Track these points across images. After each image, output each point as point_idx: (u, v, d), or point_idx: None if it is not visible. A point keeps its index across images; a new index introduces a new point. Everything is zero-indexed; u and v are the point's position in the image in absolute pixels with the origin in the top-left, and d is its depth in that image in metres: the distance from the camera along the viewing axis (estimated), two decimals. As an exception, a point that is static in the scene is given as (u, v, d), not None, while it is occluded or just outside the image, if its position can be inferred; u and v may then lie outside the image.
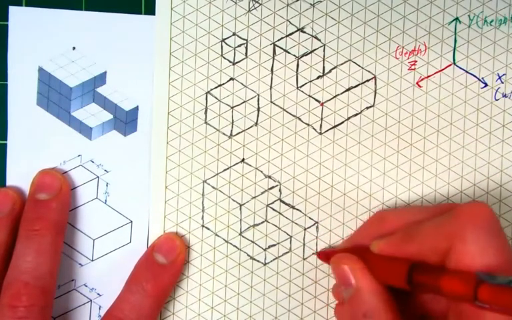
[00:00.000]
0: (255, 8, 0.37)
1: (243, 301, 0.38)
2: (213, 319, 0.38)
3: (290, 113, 0.38)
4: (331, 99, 0.38)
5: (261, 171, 0.38)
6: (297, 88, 0.38)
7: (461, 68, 0.38)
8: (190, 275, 0.38)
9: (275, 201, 0.38)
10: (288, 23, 0.37)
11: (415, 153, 0.38)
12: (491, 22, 0.37)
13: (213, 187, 0.38)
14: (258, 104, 0.38)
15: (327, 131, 0.38)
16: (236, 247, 0.38)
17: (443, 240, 0.30)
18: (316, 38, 0.38)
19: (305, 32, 0.38)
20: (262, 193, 0.38)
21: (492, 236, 0.29)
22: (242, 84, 0.38)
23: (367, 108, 0.38)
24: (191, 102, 0.38)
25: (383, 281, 0.32)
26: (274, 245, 0.38)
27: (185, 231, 0.38)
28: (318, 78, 0.38)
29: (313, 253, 0.38)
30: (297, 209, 0.38)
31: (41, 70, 0.38)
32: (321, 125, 0.38)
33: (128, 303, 0.35)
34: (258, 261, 0.38)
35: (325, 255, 0.37)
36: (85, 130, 0.38)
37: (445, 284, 0.28)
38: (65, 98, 0.38)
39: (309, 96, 0.38)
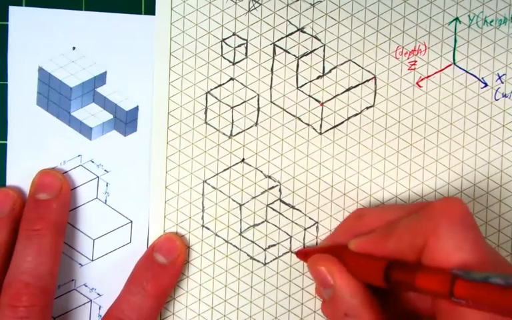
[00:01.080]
0: (255, 8, 0.37)
1: (243, 300, 0.38)
2: (213, 319, 0.38)
3: (290, 113, 0.38)
4: (331, 98, 0.38)
5: (261, 171, 0.38)
6: (297, 88, 0.38)
7: (460, 68, 0.38)
8: (190, 275, 0.38)
9: (275, 201, 0.38)
10: (288, 23, 0.37)
11: (414, 153, 0.38)
12: (491, 22, 0.37)
13: (213, 187, 0.38)
14: (258, 104, 0.38)
15: (327, 130, 0.38)
16: (236, 247, 0.38)
17: (418, 237, 0.30)
18: (316, 38, 0.38)
19: (305, 32, 0.38)
20: (262, 193, 0.38)
21: (466, 230, 0.29)
22: (242, 84, 0.38)
23: (367, 108, 0.38)
24: (191, 102, 0.38)
25: (361, 279, 0.32)
26: (274, 245, 0.38)
27: (185, 231, 0.38)
28: (318, 78, 0.38)
29: (291, 252, 0.38)
30: (297, 209, 0.38)
31: (40, 70, 0.38)
32: (321, 125, 0.38)
33: (128, 303, 0.35)
34: (258, 260, 0.38)
35: (303, 254, 0.37)
36: (85, 130, 0.38)
37: (420, 281, 0.28)
38: (64, 98, 0.38)
39: (309, 96, 0.38)
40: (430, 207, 0.30)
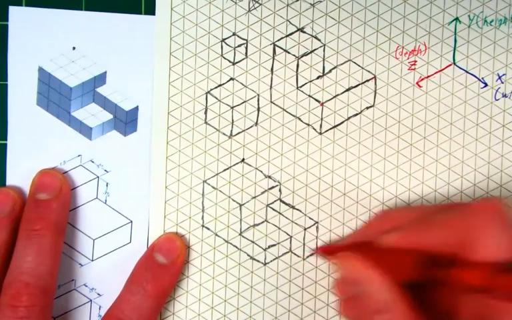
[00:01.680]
0: (255, 8, 0.37)
1: (243, 300, 0.38)
2: (213, 319, 0.38)
3: (290, 113, 0.38)
4: (331, 98, 0.38)
5: (261, 171, 0.38)
6: (297, 88, 0.38)
7: (460, 68, 0.38)
8: (190, 275, 0.38)
9: (275, 201, 0.38)
10: (288, 23, 0.37)
11: (414, 153, 0.38)
12: (491, 22, 0.37)
13: (213, 187, 0.38)
14: (258, 104, 0.38)
15: (327, 130, 0.38)
16: (236, 247, 0.38)
17: (460, 232, 0.30)
18: (316, 38, 0.38)
19: (305, 32, 0.38)
20: (262, 193, 0.38)
21: (508, 229, 0.30)
22: (242, 84, 0.38)
23: (367, 108, 0.38)
24: (191, 102, 0.38)
25: (393, 275, 0.31)
26: (274, 245, 0.38)
27: (185, 231, 0.38)
28: (318, 78, 0.38)
29: (313, 251, 0.38)
30: (297, 209, 0.38)
31: (40, 70, 0.38)
32: (321, 125, 0.38)
33: (128, 303, 0.35)
34: (258, 260, 0.38)
35: (327, 251, 0.36)
36: (85, 130, 0.38)
37: (467, 276, 0.28)
38: (64, 98, 0.38)
39: (309, 96, 0.38)
40: (472, 204, 0.32)
